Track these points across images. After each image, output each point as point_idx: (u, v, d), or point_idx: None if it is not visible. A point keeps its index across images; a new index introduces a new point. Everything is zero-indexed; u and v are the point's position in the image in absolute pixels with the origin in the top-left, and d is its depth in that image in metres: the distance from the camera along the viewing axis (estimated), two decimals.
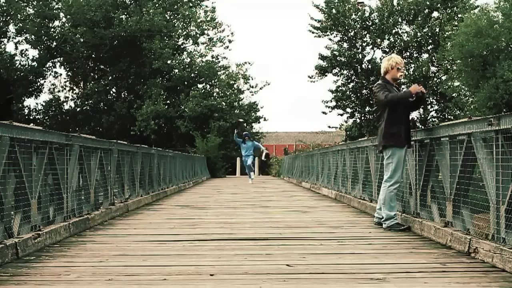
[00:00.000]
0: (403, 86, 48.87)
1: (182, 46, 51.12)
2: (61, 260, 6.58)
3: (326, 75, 49.60)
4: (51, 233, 7.85)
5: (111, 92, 51.43)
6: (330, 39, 49.34)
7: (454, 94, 42.45)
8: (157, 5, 49.23)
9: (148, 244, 7.85)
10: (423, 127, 36.61)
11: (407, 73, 48.27)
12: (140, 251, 7.21)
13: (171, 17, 50.68)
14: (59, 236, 8.15)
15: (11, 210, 7.32)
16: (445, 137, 8.27)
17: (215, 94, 48.68)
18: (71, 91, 51.87)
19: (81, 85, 52.12)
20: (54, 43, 49.56)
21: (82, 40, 48.24)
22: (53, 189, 8.96)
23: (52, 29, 49.48)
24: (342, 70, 49.38)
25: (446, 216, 8.11)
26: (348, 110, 49.36)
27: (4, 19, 47.86)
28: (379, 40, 48.57)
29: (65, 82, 51.62)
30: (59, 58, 50.62)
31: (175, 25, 50.12)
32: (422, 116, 48.24)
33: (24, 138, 7.63)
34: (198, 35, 50.37)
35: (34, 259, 6.66)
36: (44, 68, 49.86)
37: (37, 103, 59.23)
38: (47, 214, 8.69)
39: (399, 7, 47.89)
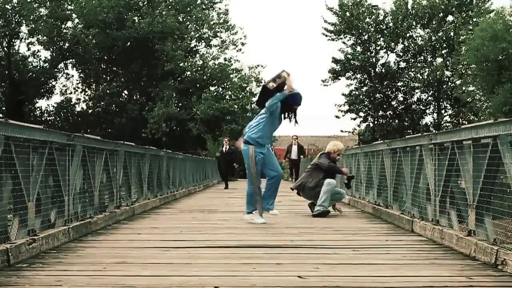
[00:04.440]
0: (417, 90, 48.34)
1: (194, 49, 50.80)
2: (55, 269, 6.12)
3: (339, 79, 49.10)
4: (47, 238, 7.40)
5: (123, 94, 51.18)
6: (343, 43, 48.90)
7: (468, 99, 41.89)
8: (169, 7, 48.96)
9: (150, 250, 7.41)
10: (436, 131, 36.06)
11: (421, 77, 47.76)
12: (142, 258, 6.75)
13: (184, 19, 50.37)
14: (57, 241, 7.70)
15: (6, 213, 6.89)
16: (468, 140, 7.77)
17: (227, 97, 48.31)
18: (83, 92, 51.69)
19: (93, 86, 51.88)
20: (67, 45, 49.40)
21: (94, 41, 48.01)
22: (54, 191, 8.54)
23: (65, 30, 49.30)
24: (355, 74, 48.88)
25: (468, 224, 7.61)
26: (361, 114, 48.85)
27: (16, 20, 47.70)
28: (393, 43, 48.03)
29: (77, 83, 51.45)
30: (71, 60, 50.45)
31: (188, 27, 49.80)
32: (436, 120, 47.67)
33: (20, 137, 7.21)
34: (210, 38, 50.04)
35: (26, 266, 6.20)
36: (56, 70, 49.69)
37: (48, 105, 59.06)
38: (47, 217, 8.26)
39: (413, 10, 47.33)
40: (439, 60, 47.43)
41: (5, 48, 48.18)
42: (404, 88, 48.74)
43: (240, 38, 49.99)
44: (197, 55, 50.47)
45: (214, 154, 40.01)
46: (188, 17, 50.18)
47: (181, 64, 47.78)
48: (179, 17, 49.45)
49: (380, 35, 48.16)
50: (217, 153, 27.62)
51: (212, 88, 48.83)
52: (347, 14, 47.68)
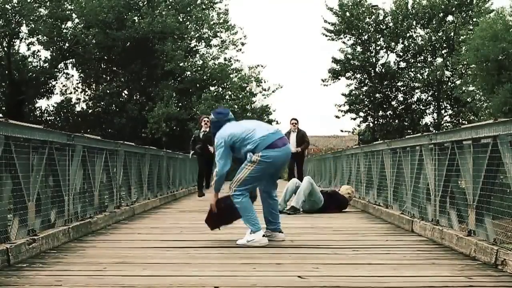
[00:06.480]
0: (417, 90, 48.30)
1: (194, 48, 50.73)
2: (55, 268, 6.12)
3: (339, 79, 49.05)
4: (47, 238, 7.40)
5: (123, 94, 51.10)
6: (343, 42, 48.86)
7: (468, 99, 41.86)
8: (169, 7, 48.91)
9: (150, 250, 7.40)
10: (436, 131, 35.91)
11: (421, 77, 47.73)
12: (142, 258, 6.75)
13: (184, 19, 50.30)
14: (57, 241, 7.71)
15: (6, 213, 6.89)
16: (468, 140, 7.77)
17: (227, 97, 48.26)
18: (83, 92, 51.59)
19: (93, 86, 51.81)
20: (67, 45, 49.33)
21: (94, 41, 47.94)
22: (54, 191, 8.54)
23: (65, 31, 49.24)
24: (355, 74, 48.85)
25: (468, 224, 7.61)
26: (361, 114, 48.83)
27: (16, 20, 47.67)
28: (393, 43, 48.00)
29: (77, 83, 51.38)
30: (71, 60, 50.38)
31: (188, 27, 49.74)
32: (436, 120, 47.66)
33: (20, 137, 7.20)
34: (210, 37, 49.96)
35: (27, 266, 6.20)
36: (56, 70, 49.65)
37: (48, 105, 59.04)
38: (47, 217, 8.26)
39: (413, 10, 47.30)
40: (439, 60, 47.38)
41: (5, 48, 48.13)
42: (404, 88, 48.72)
43: (240, 38, 49.94)
44: (197, 55, 50.40)
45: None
46: (188, 17, 50.10)
47: (181, 64, 47.69)
48: (179, 17, 49.37)
49: (380, 35, 48.13)
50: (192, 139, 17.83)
51: (212, 88, 48.76)
52: (347, 14, 47.65)
